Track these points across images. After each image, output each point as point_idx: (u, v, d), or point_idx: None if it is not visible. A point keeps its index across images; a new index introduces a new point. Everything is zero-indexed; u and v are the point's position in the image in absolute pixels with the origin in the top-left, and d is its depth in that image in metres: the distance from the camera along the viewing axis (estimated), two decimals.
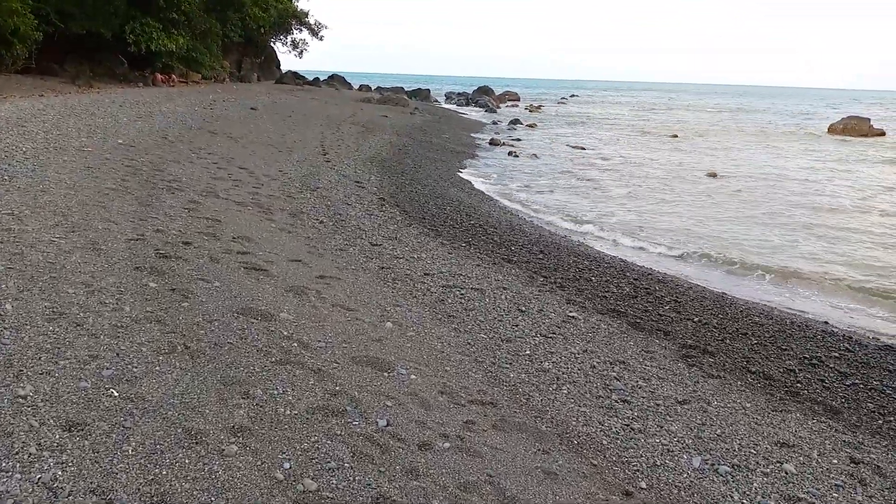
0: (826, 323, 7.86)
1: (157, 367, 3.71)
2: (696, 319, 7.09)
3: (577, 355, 5.52)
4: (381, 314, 5.72)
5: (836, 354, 6.37)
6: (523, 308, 6.66)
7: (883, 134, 39.78)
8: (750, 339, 6.66)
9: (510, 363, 5.07)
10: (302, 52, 54.10)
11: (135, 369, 3.64)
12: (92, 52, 32.50)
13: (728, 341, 6.54)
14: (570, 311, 6.81)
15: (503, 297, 6.99)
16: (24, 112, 15.35)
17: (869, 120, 43.41)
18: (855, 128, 41.81)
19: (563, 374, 5.05)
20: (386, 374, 4.35)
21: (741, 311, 7.53)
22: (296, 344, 4.51)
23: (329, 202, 11.05)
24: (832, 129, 42.40)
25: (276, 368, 4.04)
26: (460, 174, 17.44)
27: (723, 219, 13.63)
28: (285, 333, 4.67)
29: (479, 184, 16.35)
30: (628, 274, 8.70)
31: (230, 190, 10.41)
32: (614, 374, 5.22)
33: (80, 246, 5.84)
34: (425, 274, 7.51)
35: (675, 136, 35.09)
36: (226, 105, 25.99)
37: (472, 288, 7.16)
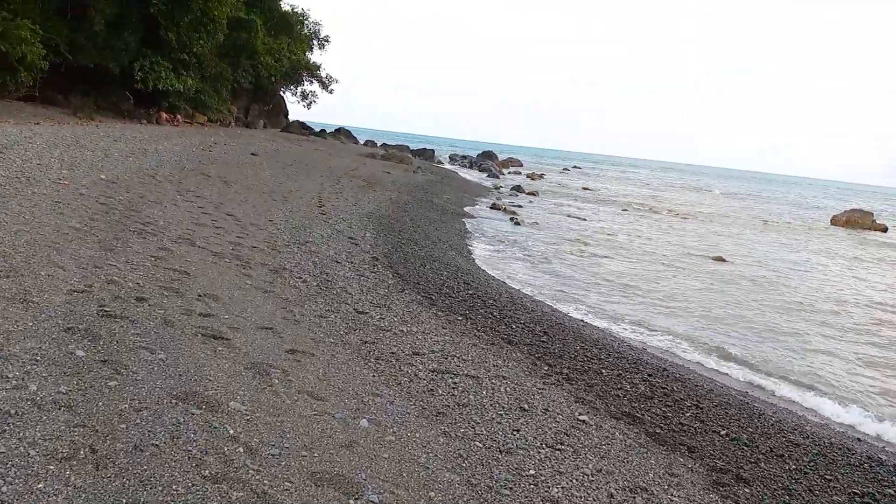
0: (859, 440, 6.93)
1: (40, 485, 2.73)
2: (722, 433, 6.11)
3: (590, 477, 4.53)
4: (356, 407, 4.74)
5: (892, 492, 5.38)
6: (526, 406, 5.69)
7: (885, 230, 39.46)
8: (787, 462, 5.68)
9: (511, 488, 4.08)
10: (311, 103, 54.26)
11: (5, 488, 2.66)
12: (99, 85, 32.23)
13: (763, 465, 5.55)
14: (580, 413, 5.83)
15: (502, 388, 6.03)
16: (9, 138, 14.61)
17: (872, 214, 43.29)
18: (858, 221, 41.62)
19: None
20: (352, 501, 3.36)
21: (772, 426, 6.55)
22: (241, 449, 3.53)
23: (317, 259, 10.17)
24: (835, 221, 42.17)
25: (207, 489, 3.05)
26: (459, 238, 16.63)
27: (734, 313, 12.76)
28: (231, 432, 3.70)
29: (478, 250, 15.53)
30: (641, 369, 7.75)
31: (210, 238, 9.54)
32: None
33: (7, 296, 4.91)
34: (414, 353, 6.55)
35: (678, 214, 34.68)
36: (226, 149, 25.46)
37: (466, 375, 6.20)
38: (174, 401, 3.89)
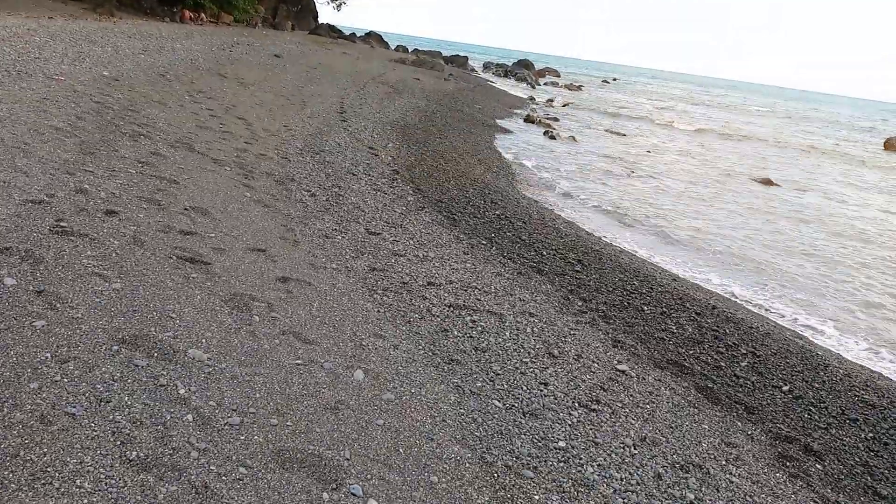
0: None
1: None
2: (785, 389, 5.24)
3: (632, 449, 3.71)
4: (352, 353, 3.93)
5: None
6: (556, 352, 4.85)
7: None
8: (863, 430, 4.82)
9: (535, 467, 3.28)
10: (340, 4, 51.87)
11: None
12: None
13: (835, 432, 4.70)
14: (619, 362, 4.99)
15: (529, 329, 5.18)
16: (9, 31, 13.64)
17: None
18: None
19: (616, 492, 3.25)
20: (326, 494, 2.58)
21: (840, 381, 5.66)
22: (190, 417, 2.75)
23: (331, 170, 9.25)
24: (889, 145, 39.62)
25: (126, 482, 2.28)
26: (489, 152, 15.49)
27: (788, 245, 11.66)
28: (181, 392, 2.91)
29: (509, 165, 14.43)
30: (688, 306, 6.83)
31: (212, 143, 8.64)
32: (691, 494, 3.42)
33: None
34: (429, 283, 5.70)
35: (721, 134, 32.80)
36: (249, 49, 24.15)
37: (488, 311, 5.35)
38: (116, 346, 3.10)
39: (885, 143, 40.41)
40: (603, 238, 9.52)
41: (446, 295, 5.49)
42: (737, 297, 7.96)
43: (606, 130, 25.35)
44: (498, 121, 21.91)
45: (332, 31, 50.06)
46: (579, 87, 52.05)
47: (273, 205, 6.77)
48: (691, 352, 5.64)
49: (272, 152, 9.28)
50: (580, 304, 6.20)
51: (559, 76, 62.19)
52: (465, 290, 5.73)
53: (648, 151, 21.28)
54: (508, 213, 9.24)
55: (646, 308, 6.50)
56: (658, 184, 15.49)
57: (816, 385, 5.44)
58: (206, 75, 15.10)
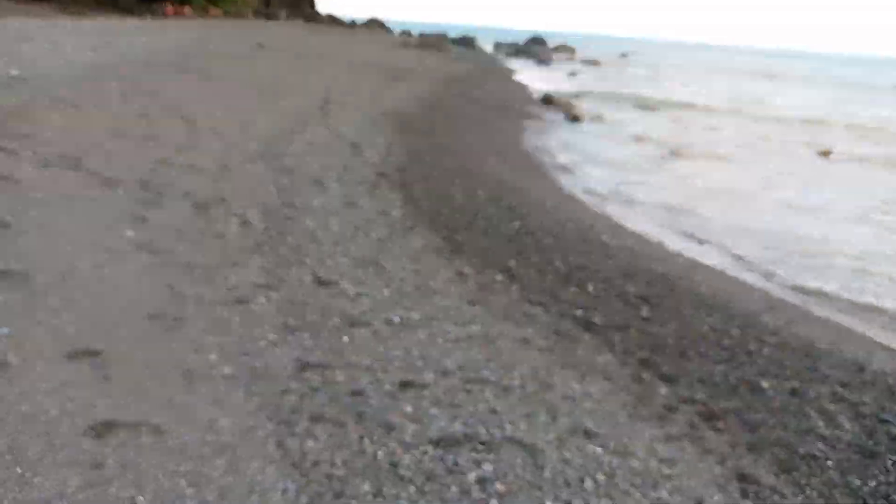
0: None
1: None
2: None
3: None
4: None
5: None
6: None
7: None
8: None
9: None
10: None
11: None
12: None
13: None
14: None
15: (589, 480, 2.72)
16: None
17: None
18: None
19: None
20: None
21: None
22: None
23: (288, 180, 6.85)
24: None
25: None
26: (504, 140, 12.97)
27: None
28: None
29: (528, 156, 11.92)
30: (825, 369, 4.32)
31: (118, 154, 6.28)
32: None
33: None
34: (404, 383, 3.27)
35: (761, 101, 29.94)
36: (229, 40, 21.89)
37: (510, 440, 2.92)
38: None
39: None
40: (664, 248, 7.02)
41: (434, 410, 3.05)
42: (875, 334, 5.45)
43: (634, 107, 22.64)
44: (512, 104, 19.34)
45: (331, 19, 47.68)
46: (597, 63, 48.96)
47: (168, 248, 4.36)
48: (872, 483, 3.16)
49: (208, 160, 6.89)
50: (664, 391, 3.73)
51: (574, 52, 59.04)
52: (469, 391, 3.29)
53: (685, 127, 18.63)
54: (532, 224, 6.76)
55: (764, 383, 4.01)
56: (709, 165, 12.90)
57: None
58: (160, 71, 12.76)
